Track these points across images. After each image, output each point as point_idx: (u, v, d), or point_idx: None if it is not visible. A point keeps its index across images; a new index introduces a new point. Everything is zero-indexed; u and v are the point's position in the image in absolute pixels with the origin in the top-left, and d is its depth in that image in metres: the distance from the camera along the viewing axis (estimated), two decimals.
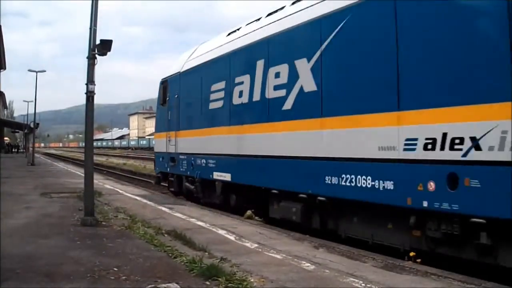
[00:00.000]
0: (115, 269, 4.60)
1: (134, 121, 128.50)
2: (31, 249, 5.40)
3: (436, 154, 4.94)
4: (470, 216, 4.66)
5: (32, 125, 35.89)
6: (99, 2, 7.51)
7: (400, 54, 5.44)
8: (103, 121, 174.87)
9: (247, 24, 9.40)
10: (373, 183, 5.74)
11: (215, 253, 5.39)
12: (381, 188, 5.62)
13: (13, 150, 58.39)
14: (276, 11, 8.36)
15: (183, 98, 11.58)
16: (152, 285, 4.10)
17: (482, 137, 4.50)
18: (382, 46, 5.73)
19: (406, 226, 5.48)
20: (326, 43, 6.60)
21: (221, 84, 9.51)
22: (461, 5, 4.85)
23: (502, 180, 4.29)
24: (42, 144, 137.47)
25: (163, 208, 9.48)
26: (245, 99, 8.60)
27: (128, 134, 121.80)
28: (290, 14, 7.65)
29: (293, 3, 7.90)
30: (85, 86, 7.48)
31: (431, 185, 5.01)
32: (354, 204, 6.25)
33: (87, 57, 7.53)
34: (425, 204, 5.06)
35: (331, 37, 6.51)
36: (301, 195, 7.12)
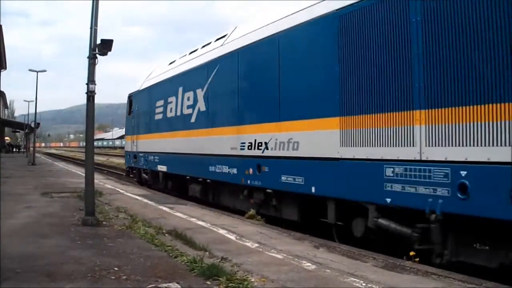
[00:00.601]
0: (116, 268, 4.60)
1: None
2: (31, 249, 5.40)
3: (252, 152, 8.17)
4: (266, 188, 7.91)
5: (32, 125, 35.91)
6: (100, 2, 7.53)
7: (240, 92, 8.72)
8: (103, 120, 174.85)
9: (180, 57, 12.70)
10: (228, 170, 9.02)
11: (215, 252, 5.40)
12: (231, 173, 8.90)
13: (14, 150, 58.43)
14: (194, 51, 11.57)
15: (140, 110, 15.31)
16: (153, 285, 4.10)
17: (268, 142, 7.73)
18: (232, 85, 8.96)
19: (246, 197, 8.74)
20: (209, 79, 9.90)
21: (161, 102, 13.03)
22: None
23: (277, 166, 7.52)
24: (43, 144, 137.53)
25: (164, 208, 9.48)
26: (173, 113, 12.07)
27: None
28: (197, 57, 11.01)
29: (202, 47, 11.13)
30: (85, 86, 7.49)
31: (250, 171, 8.22)
32: (224, 184, 9.57)
33: (88, 57, 7.54)
34: (249, 182, 8.29)
35: (212, 75, 9.80)
36: (200, 179, 10.70)
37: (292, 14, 7.37)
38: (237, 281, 4.20)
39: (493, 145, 4.36)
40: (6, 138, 57.60)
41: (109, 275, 4.40)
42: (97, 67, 7.54)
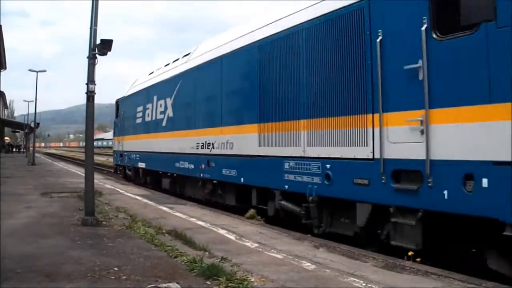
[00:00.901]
0: (116, 268, 4.61)
1: None
2: (31, 249, 5.40)
3: (204, 151, 10.01)
4: (213, 179, 9.74)
5: (32, 125, 35.91)
6: (100, 2, 7.53)
7: (195, 102, 10.64)
8: (103, 120, 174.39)
9: (157, 69, 14.62)
10: (189, 165, 10.86)
11: (215, 252, 5.40)
12: (190, 168, 10.75)
13: (14, 150, 58.41)
14: (167, 64, 13.44)
15: (125, 114, 17.39)
16: (153, 285, 4.10)
17: (214, 143, 9.54)
18: (190, 96, 10.94)
19: (201, 187, 10.54)
20: (176, 90, 11.84)
21: (141, 108, 15.08)
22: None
23: (220, 162, 9.30)
24: (43, 144, 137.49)
25: (164, 208, 9.49)
26: (149, 118, 14.12)
27: None
28: (168, 70, 12.88)
29: (173, 61, 13.03)
30: (85, 86, 7.48)
31: (203, 166, 10.05)
32: (186, 177, 11.37)
33: (88, 57, 7.54)
34: (202, 175, 10.16)
35: (177, 87, 11.74)
36: (169, 174, 12.60)
37: (231, 41, 9.14)
38: (237, 281, 4.20)
39: (344, 146, 6.02)
40: (6, 138, 57.58)
41: (109, 275, 4.40)
42: (97, 67, 7.56)
